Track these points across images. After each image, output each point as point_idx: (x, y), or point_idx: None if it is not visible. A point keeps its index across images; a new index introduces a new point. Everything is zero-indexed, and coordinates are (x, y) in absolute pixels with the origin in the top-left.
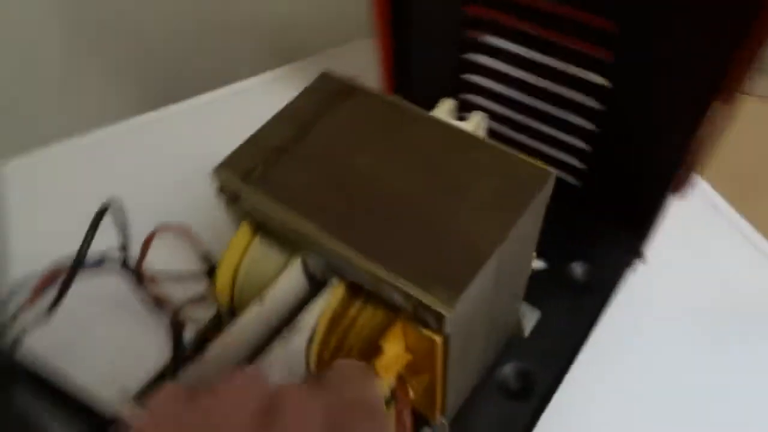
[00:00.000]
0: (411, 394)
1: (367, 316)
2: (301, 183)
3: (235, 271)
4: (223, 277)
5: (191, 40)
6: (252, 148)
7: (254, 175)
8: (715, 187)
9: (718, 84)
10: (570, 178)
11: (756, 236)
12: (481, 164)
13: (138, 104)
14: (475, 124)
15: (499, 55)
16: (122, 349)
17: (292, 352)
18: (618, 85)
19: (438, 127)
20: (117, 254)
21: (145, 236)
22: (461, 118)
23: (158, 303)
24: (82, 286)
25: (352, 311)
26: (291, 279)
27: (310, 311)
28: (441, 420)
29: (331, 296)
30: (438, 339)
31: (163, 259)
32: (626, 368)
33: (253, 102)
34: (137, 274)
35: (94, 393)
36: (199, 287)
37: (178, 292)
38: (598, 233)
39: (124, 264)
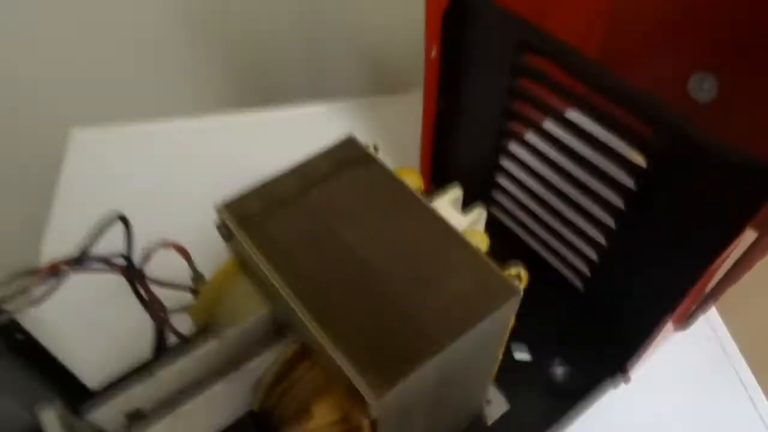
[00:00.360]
0: None
1: (312, 376)
2: (289, 240)
3: (213, 299)
4: (202, 300)
5: (294, 49)
6: (260, 193)
7: (252, 220)
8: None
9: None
10: (576, 281)
11: (757, 393)
12: (458, 265)
13: (221, 100)
14: (474, 216)
15: (533, 151)
16: (112, 339)
17: (237, 390)
18: (634, 211)
19: (432, 219)
20: (121, 254)
21: (155, 242)
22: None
23: (151, 303)
24: (81, 279)
25: (301, 369)
26: (254, 324)
27: (262, 359)
28: None
29: (285, 350)
30: (365, 421)
31: (163, 267)
32: None
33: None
34: (138, 274)
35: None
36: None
37: (170, 301)
38: (589, 341)
39: (128, 264)
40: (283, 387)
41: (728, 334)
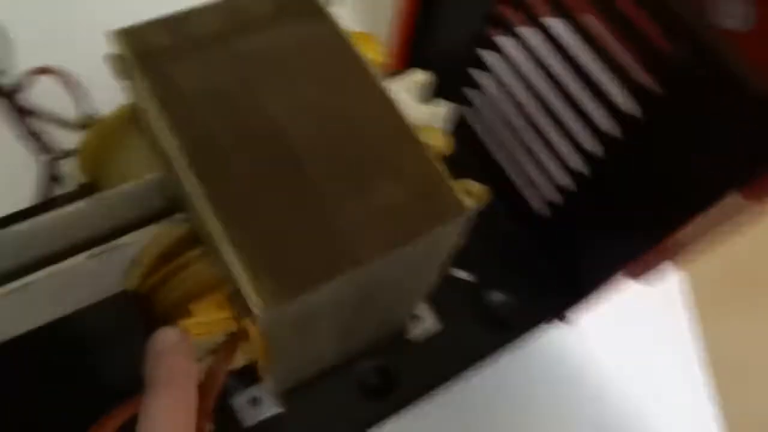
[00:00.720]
0: (236, 355)
1: (199, 268)
2: (196, 92)
3: (100, 147)
4: (88, 147)
5: None
6: (170, 26)
7: (154, 58)
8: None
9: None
10: (544, 209)
11: (695, 363)
12: (400, 166)
13: None
14: (436, 110)
15: (523, 47)
16: None
17: (106, 266)
18: (630, 142)
19: (380, 101)
20: None
21: (37, 68)
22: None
23: (36, 139)
24: None
25: (188, 255)
26: (139, 189)
27: (144, 233)
28: (270, 384)
29: (172, 230)
30: (252, 327)
31: (48, 99)
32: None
33: None
34: (17, 105)
35: None
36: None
37: (56, 137)
38: (538, 276)
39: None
40: (165, 272)
41: (684, 291)
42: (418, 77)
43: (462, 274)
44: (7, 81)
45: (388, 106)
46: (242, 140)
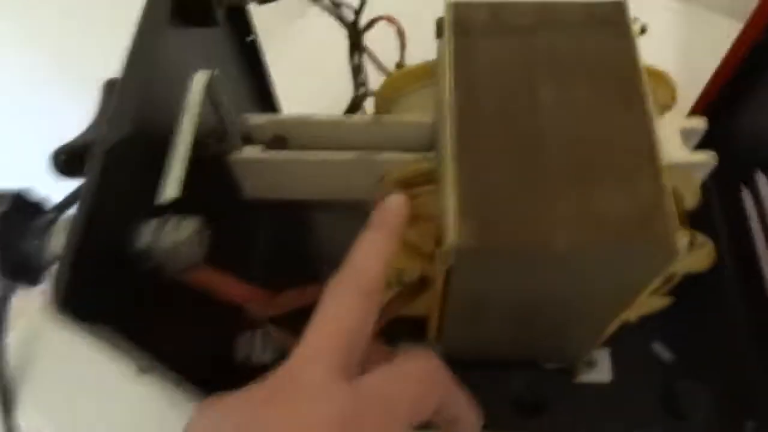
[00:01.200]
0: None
1: (425, 202)
2: (486, 68)
3: (397, 89)
4: (386, 87)
5: None
6: (493, 9)
7: (467, 29)
8: None
9: None
10: None
11: None
12: (633, 188)
13: None
14: (698, 158)
15: None
16: (315, 83)
17: (363, 171)
18: None
19: (642, 130)
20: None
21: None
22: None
23: (359, 72)
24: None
25: (425, 188)
26: (413, 126)
27: (397, 155)
28: (433, 345)
29: (422, 163)
30: (440, 274)
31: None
32: None
33: None
34: (359, 36)
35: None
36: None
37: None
38: (752, 391)
39: (355, 21)
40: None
41: None
42: (691, 122)
43: (660, 350)
44: (356, 22)
45: (647, 135)
46: (504, 114)
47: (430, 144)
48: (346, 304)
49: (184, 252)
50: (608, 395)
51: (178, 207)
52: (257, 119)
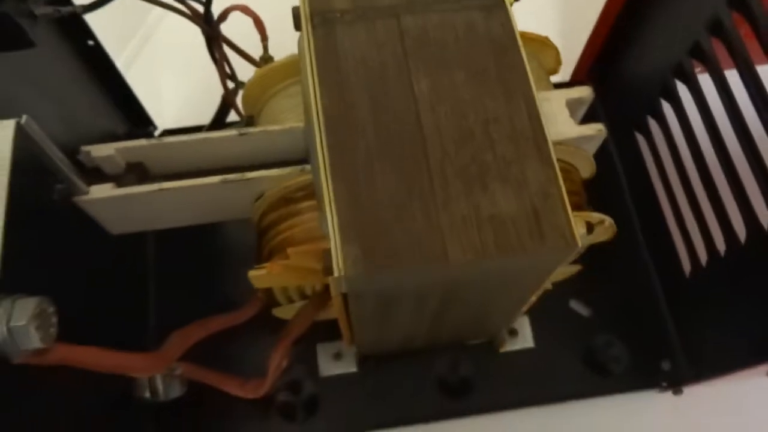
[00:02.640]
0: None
1: (310, 218)
2: (353, 59)
3: (263, 87)
4: (252, 86)
5: None
6: None
7: (327, 18)
8: None
9: None
10: (686, 266)
11: None
12: (523, 178)
13: None
14: (588, 131)
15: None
16: (182, 88)
17: (240, 193)
18: None
19: (526, 109)
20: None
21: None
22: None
23: (222, 65)
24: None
25: (305, 204)
26: (284, 134)
27: (274, 172)
28: (352, 348)
29: (300, 178)
30: (333, 288)
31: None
32: None
33: None
34: (214, 28)
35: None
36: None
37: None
38: (664, 337)
39: (207, 12)
40: (280, 213)
41: None
42: (578, 93)
43: (578, 307)
44: (208, 12)
45: (531, 115)
46: (378, 113)
47: (305, 151)
48: None
49: (24, 338)
50: (533, 361)
51: (23, 271)
52: (102, 150)
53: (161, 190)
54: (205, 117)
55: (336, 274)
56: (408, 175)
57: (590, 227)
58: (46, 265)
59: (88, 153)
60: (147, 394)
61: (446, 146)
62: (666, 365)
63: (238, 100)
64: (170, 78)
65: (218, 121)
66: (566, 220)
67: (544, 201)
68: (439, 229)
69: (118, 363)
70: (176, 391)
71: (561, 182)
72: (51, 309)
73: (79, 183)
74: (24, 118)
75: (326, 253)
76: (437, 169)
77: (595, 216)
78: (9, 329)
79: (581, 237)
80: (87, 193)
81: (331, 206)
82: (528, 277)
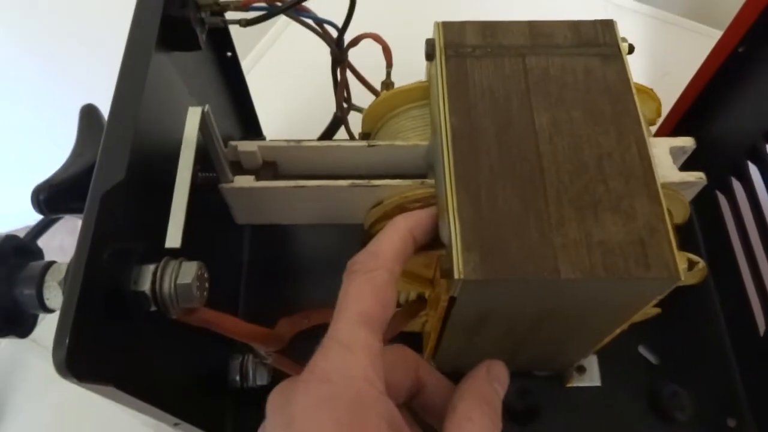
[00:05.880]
0: (417, 317)
1: None
2: (481, 90)
3: (386, 110)
4: (375, 108)
5: None
6: (483, 29)
7: (458, 51)
8: None
9: None
10: (761, 322)
11: None
12: (632, 211)
13: None
14: (689, 178)
15: None
16: (296, 100)
17: (357, 197)
18: None
19: (637, 151)
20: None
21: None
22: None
23: (341, 90)
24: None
25: None
26: (407, 149)
27: (394, 182)
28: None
29: (419, 189)
30: (444, 296)
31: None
32: None
33: None
34: (343, 54)
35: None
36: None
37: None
38: (731, 394)
39: (339, 38)
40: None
41: None
42: (682, 142)
43: (646, 353)
44: (341, 38)
45: (642, 155)
46: (501, 138)
47: (424, 168)
48: (360, 287)
49: (186, 296)
50: (598, 399)
51: (185, 239)
52: (247, 146)
53: (296, 186)
54: (304, 134)
55: (456, 276)
56: (526, 197)
57: (690, 265)
58: (196, 240)
59: (234, 147)
60: (237, 377)
61: (562, 175)
62: (732, 422)
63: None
64: (276, 93)
65: (327, 137)
66: (671, 254)
67: (651, 234)
68: (553, 247)
69: (249, 332)
70: (263, 378)
71: (668, 219)
72: (206, 274)
73: (228, 172)
74: (206, 107)
75: (444, 258)
76: (553, 194)
77: (693, 256)
78: (176, 286)
79: (683, 271)
80: (232, 181)
81: (453, 214)
82: (623, 306)
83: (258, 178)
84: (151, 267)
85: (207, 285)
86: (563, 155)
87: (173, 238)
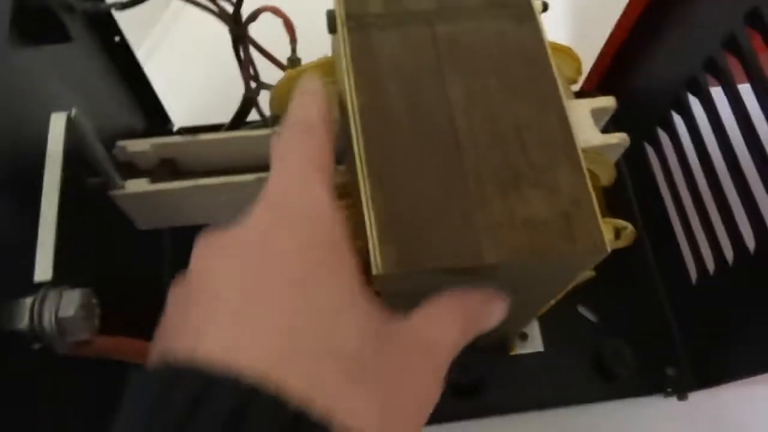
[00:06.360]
0: None
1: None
2: (389, 61)
3: (291, 87)
4: (280, 87)
5: None
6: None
7: (362, 21)
8: None
9: None
10: (696, 274)
11: None
12: (554, 183)
13: None
14: (611, 140)
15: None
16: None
17: None
18: None
19: (556, 116)
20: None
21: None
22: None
23: (246, 67)
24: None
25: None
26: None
27: None
28: None
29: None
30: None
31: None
32: None
33: None
34: (242, 30)
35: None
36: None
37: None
38: (670, 343)
39: (236, 13)
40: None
41: None
42: (603, 102)
43: (586, 312)
44: (237, 14)
45: (561, 123)
46: (414, 115)
47: (339, 153)
48: (297, 139)
49: (71, 329)
50: (542, 365)
51: (66, 263)
52: (138, 145)
53: (196, 186)
54: (218, 116)
55: (375, 272)
56: (445, 177)
57: (617, 233)
58: (83, 259)
59: (123, 148)
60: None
61: (480, 150)
62: (671, 371)
63: (260, 101)
64: (182, 76)
65: (239, 120)
66: (597, 226)
67: (576, 207)
68: (475, 229)
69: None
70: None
71: (591, 189)
72: (94, 300)
73: (116, 177)
74: (73, 111)
75: (364, 253)
76: (472, 171)
77: (620, 223)
78: (57, 320)
79: (610, 242)
80: (123, 187)
81: (368, 204)
82: (555, 280)
83: (154, 180)
84: (28, 301)
85: (98, 311)
86: (480, 128)
87: (43, 270)
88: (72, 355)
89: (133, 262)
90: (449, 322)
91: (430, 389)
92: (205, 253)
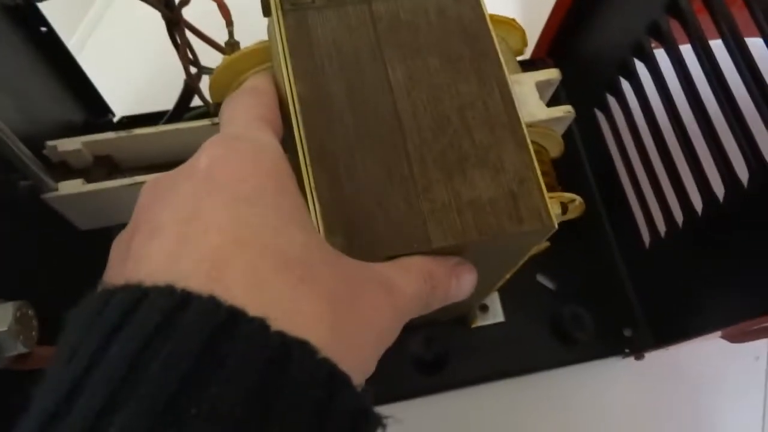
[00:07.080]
0: None
1: None
2: (327, 45)
3: (231, 76)
4: (219, 74)
5: None
6: None
7: (298, 5)
8: None
9: None
10: (646, 239)
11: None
12: (499, 162)
13: None
14: (558, 113)
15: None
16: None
17: None
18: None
19: (500, 92)
20: None
21: None
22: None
23: (183, 52)
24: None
25: None
26: None
27: None
28: None
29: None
30: None
31: (202, 21)
32: None
33: None
34: (175, 14)
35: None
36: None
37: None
38: (626, 306)
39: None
40: None
41: None
42: (547, 75)
43: (544, 281)
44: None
45: (505, 100)
46: (355, 100)
47: (282, 142)
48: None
49: (6, 345)
50: (503, 335)
51: None
52: (69, 144)
53: (134, 183)
54: (162, 103)
55: None
56: (388, 163)
57: (564, 207)
58: (17, 268)
59: (54, 148)
60: None
61: (423, 133)
62: (628, 332)
63: (202, 86)
64: (122, 63)
65: (181, 107)
66: (542, 203)
67: (521, 185)
68: (421, 214)
69: None
70: None
71: (536, 166)
72: (31, 312)
73: (47, 179)
74: None
75: None
76: (416, 155)
77: (567, 196)
78: None
79: (557, 217)
80: (56, 189)
81: (312, 195)
82: (506, 257)
83: (90, 179)
84: None
85: (35, 323)
86: (423, 110)
87: None
88: (11, 369)
89: (78, 263)
90: (414, 276)
91: (389, 326)
92: (151, 190)
